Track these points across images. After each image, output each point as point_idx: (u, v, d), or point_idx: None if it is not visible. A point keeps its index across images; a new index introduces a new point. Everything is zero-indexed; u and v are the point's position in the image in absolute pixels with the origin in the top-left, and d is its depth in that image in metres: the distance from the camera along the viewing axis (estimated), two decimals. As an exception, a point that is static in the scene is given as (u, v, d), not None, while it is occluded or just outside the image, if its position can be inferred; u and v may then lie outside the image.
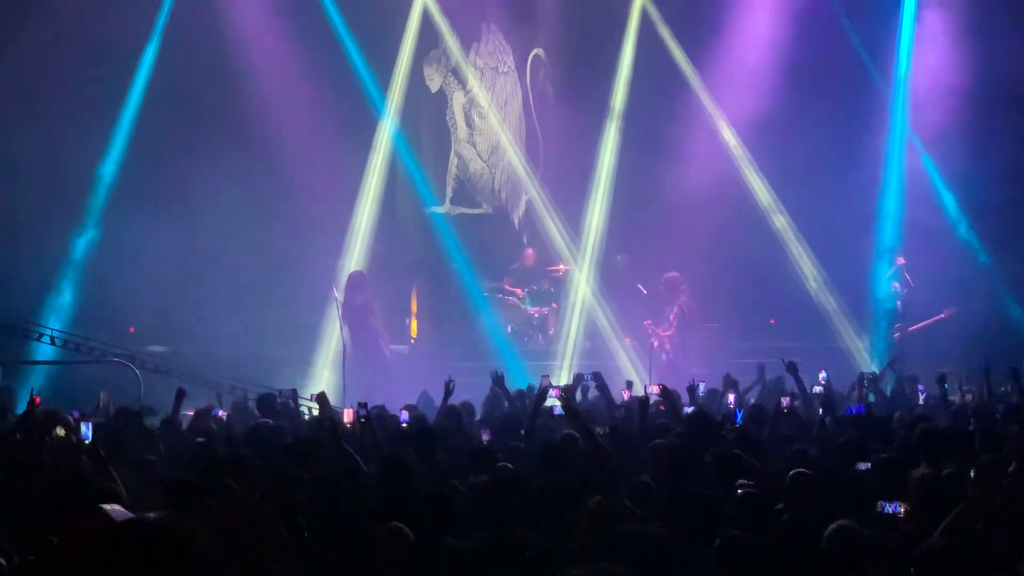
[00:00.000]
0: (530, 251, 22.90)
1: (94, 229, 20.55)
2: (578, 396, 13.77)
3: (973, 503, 7.09)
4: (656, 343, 20.64)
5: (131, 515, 6.67)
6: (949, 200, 22.89)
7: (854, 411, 11.33)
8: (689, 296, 21.04)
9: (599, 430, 9.71)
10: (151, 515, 6.32)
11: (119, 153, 20.70)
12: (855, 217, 22.35)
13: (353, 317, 19.38)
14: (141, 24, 20.71)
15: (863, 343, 22.32)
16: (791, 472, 8.10)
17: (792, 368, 13.01)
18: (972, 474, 8.27)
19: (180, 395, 11.86)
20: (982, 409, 12.43)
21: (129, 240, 19.82)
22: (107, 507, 6.19)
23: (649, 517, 7.33)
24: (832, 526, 6.82)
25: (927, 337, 20.98)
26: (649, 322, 20.92)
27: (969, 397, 14.91)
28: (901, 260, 21.85)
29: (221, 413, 13.00)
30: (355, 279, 19.99)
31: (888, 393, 15.57)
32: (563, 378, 18.68)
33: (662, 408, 11.53)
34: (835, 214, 21.85)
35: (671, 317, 20.90)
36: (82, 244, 20.49)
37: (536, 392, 11.58)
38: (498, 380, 12.85)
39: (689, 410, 11.97)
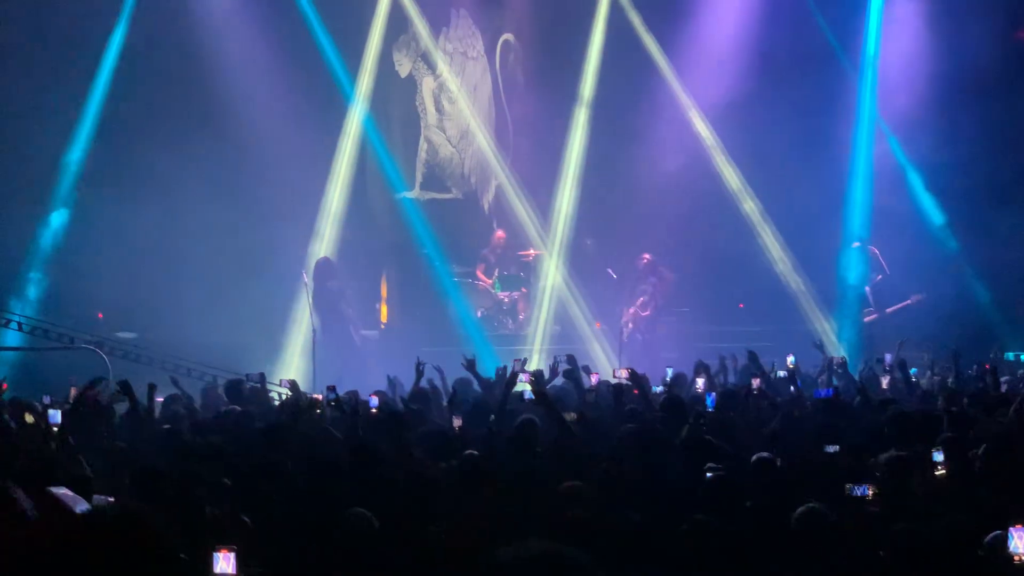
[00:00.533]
0: (500, 232, 22.90)
1: (61, 215, 20.43)
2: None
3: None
4: (631, 325, 20.68)
5: (80, 498, 6.65)
6: (917, 184, 22.98)
7: (822, 394, 11.37)
8: (665, 279, 21.10)
9: (569, 416, 9.72)
10: (107, 500, 6.29)
11: (86, 138, 20.57)
12: (824, 202, 22.41)
13: (324, 303, 19.34)
14: (109, 7, 20.58)
15: (831, 327, 22.39)
16: (754, 457, 8.13)
17: (752, 357, 13.09)
18: (936, 454, 8.32)
19: (152, 389, 11.77)
20: (949, 393, 12.48)
21: (97, 226, 19.71)
22: (55, 490, 6.16)
23: (618, 502, 7.34)
24: (800, 509, 6.84)
25: (894, 322, 21.05)
26: (633, 309, 20.93)
27: (938, 380, 14.98)
28: (856, 244, 21.90)
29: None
30: (325, 265, 19.95)
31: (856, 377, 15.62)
32: (534, 363, 18.69)
33: (636, 392, 11.54)
34: (804, 199, 21.89)
35: (646, 297, 20.91)
36: (49, 230, 20.37)
37: (508, 375, 11.58)
38: (470, 365, 12.84)
39: (658, 389, 12.02)
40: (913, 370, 15.01)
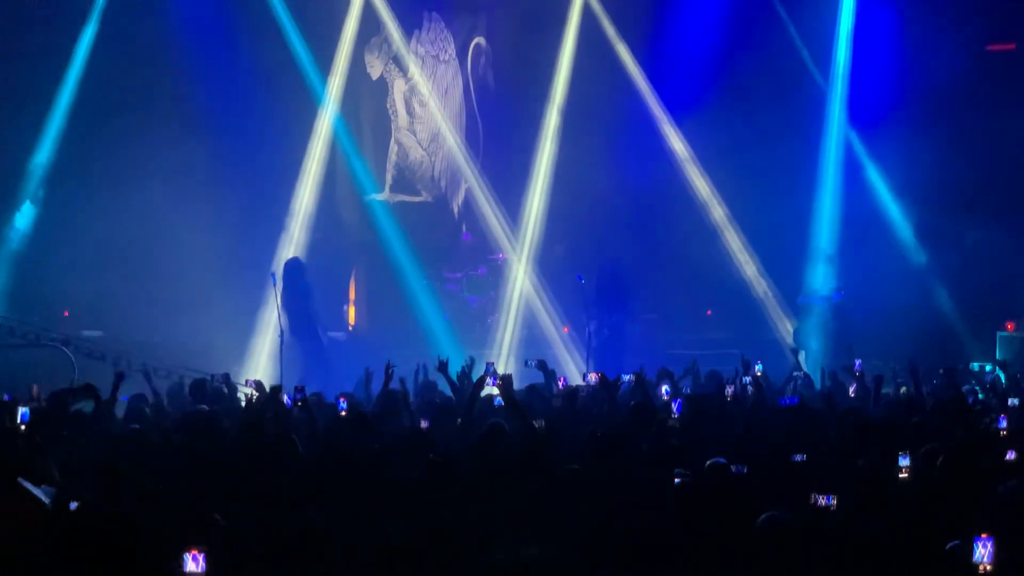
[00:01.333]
0: (467, 236, 22.95)
1: (27, 212, 20.33)
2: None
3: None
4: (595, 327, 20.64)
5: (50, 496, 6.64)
6: (885, 194, 23.08)
7: (787, 402, 11.41)
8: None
9: (537, 423, 9.74)
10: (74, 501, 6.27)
11: (54, 137, 20.48)
12: (792, 210, 22.50)
13: (293, 303, 19.28)
14: (79, 6, 20.49)
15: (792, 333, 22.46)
16: (708, 463, 8.12)
17: (745, 365, 13.18)
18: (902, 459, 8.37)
19: (119, 377, 11.75)
20: (913, 403, 12.55)
21: (64, 223, 19.68)
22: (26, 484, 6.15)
23: (583, 505, 7.37)
24: (763, 517, 6.86)
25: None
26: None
27: (904, 390, 15.05)
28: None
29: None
30: (294, 265, 19.91)
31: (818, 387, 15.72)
32: (502, 367, 18.70)
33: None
34: (772, 207, 21.99)
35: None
36: (15, 227, 20.27)
37: (476, 378, 11.60)
38: (442, 367, 12.78)
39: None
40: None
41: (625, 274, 20.72)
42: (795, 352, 16.76)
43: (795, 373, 15.15)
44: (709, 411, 10.99)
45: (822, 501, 7.50)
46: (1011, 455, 8.88)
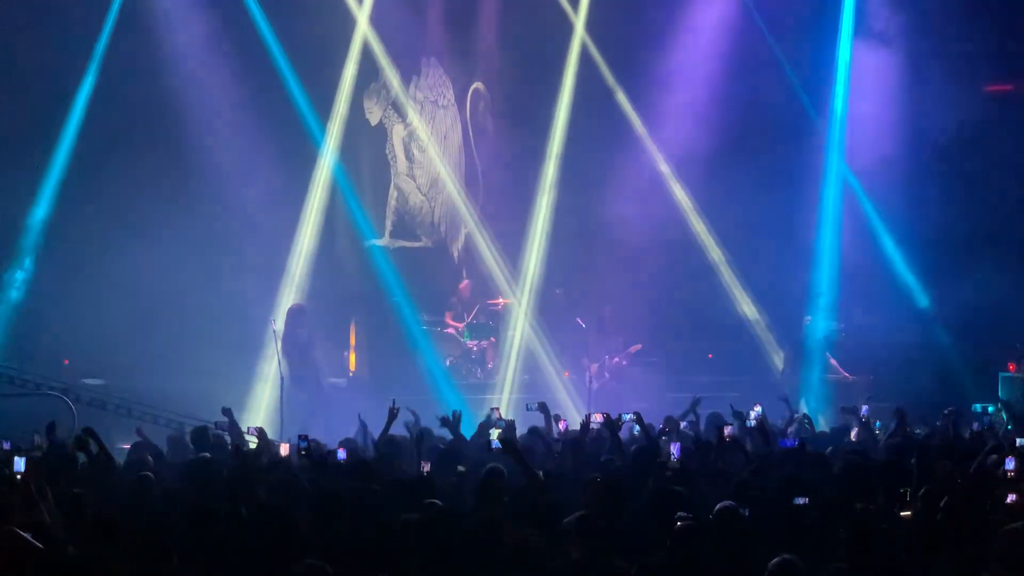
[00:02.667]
0: (466, 282, 22.95)
1: (27, 264, 20.33)
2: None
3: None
4: (607, 374, 20.66)
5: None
6: (886, 238, 23.09)
7: (787, 444, 11.37)
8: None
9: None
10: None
11: (53, 188, 20.46)
12: (792, 253, 22.52)
13: (295, 350, 19.26)
14: (77, 57, 20.55)
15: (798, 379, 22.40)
16: (717, 506, 8.10)
17: (738, 415, 13.12)
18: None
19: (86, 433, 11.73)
20: (917, 445, 12.49)
21: (64, 272, 19.66)
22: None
23: (582, 551, 7.33)
24: (775, 560, 6.82)
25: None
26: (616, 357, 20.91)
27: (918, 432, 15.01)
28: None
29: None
30: (297, 312, 19.86)
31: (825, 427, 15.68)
32: (503, 411, 18.64)
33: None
34: (772, 251, 22.02)
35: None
36: (15, 278, 20.25)
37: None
38: (444, 422, 12.73)
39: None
40: (877, 423, 15.06)
41: (623, 318, 20.74)
42: (786, 400, 16.62)
43: (795, 415, 15.09)
44: (709, 461, 10.95)
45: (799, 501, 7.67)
46: (1011, 498, 8.82)
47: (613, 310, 21.15)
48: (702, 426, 14.26)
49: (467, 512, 8.43)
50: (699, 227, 23.45)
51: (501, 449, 9.75)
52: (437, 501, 8.39)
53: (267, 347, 19.65)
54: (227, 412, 12.94)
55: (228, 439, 12.97)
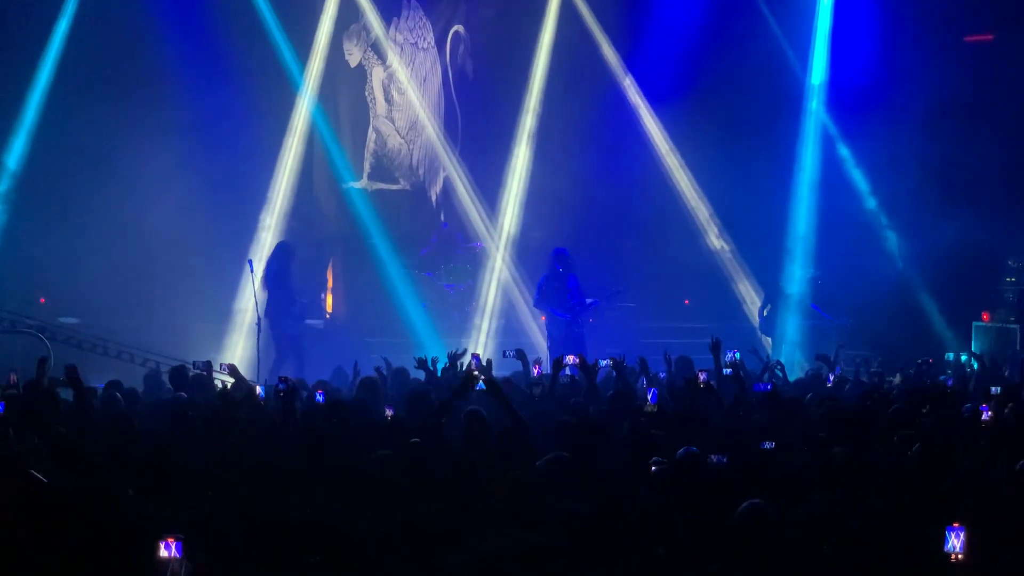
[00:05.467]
0: (446, 224, 22.94)
1: (2, 205, 20.26)
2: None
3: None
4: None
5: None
6: (862, 185, 23.13)
7: (760, 388, 11.45)
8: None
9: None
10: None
11: (29, 128, 20.36)
12: (770, 201, 22.55)
13: (282, 287, 19.12)
14: (50, 2, 20.43)
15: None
16: (680, 451, 8.13)
17: (715, 347, 13.03)
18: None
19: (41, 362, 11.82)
20: (881, 393, 12.58)
21: (41, 211, 19.61)
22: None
23: (562, 492, 7.38)
24: (744, 505, 6.88)
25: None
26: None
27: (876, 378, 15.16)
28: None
29: None
30: (287, 247, 19.49)
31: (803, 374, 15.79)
32: (481, 355, 18.64)
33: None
34: (751, 198, 22.05)
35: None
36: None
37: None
38: (421, 364, 12.83)
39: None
40: (838, 369, 15.20)
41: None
42: (754, 352, 16.67)
43: (768, 363, 15.17)
44: (685, 401, 11.01)
45: (767, 445, 7.87)
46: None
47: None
48: (673, 369, 14.33)
49: (449, 452, 8.47)
50: (678, 173, 23.45)
51: (485, 391, 9.76)
52: (417, 440, 8.44)
53: (244, 287, 19.65)
54: (233, 369, 12.83)
55: (208, 379, 13.00)
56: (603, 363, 12.82)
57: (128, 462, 7.68)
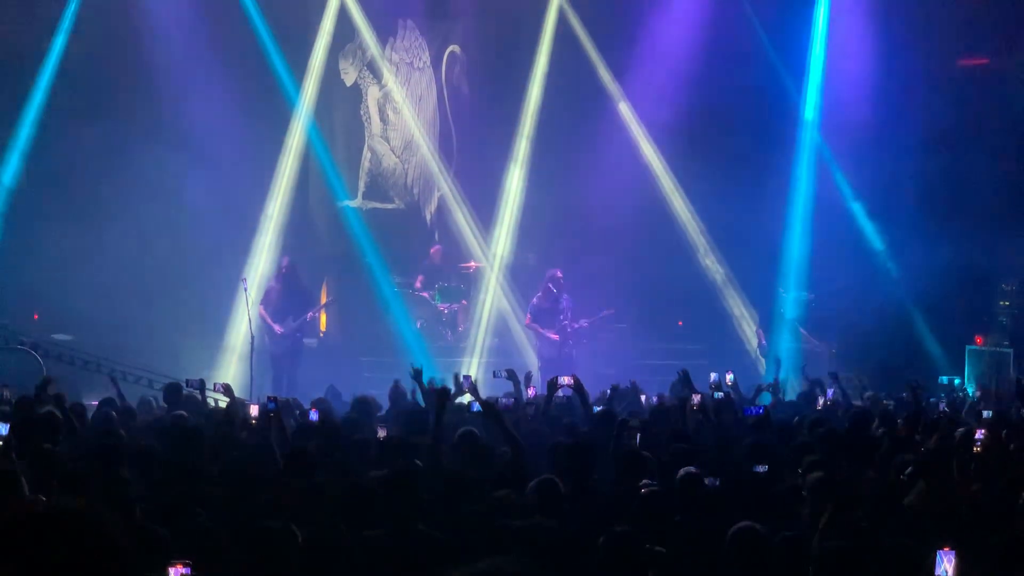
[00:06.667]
0: (437, 248, 22.88)
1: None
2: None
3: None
4: (570, 340, 20.21)
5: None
6: (858, 210, 23.15)
7: (752, 412, 11.44)
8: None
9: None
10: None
11: (24, 143, 20.39)
12: (765, 224, 22.55)
13: (294, 301, 19.20)
14: (47, 18, 20.45)
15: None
16: (680, 472, 8.13)
17: (685, 378, 12.92)
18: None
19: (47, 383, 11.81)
20: (883, 414, 12.59)
21: (35, 227, 19.60)
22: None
23: (548, 512, 7.37)
24: (735, 527, 6.87)
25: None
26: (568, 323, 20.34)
27: (871, 402, 15.16)
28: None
29: None
30: (293, 265, 19.60)
31: (795, 397, 15.79)
32: (473, 375, 18.62)
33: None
34: (745, 219, 22.05)
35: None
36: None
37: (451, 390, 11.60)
38: (416, 375, 12.73)
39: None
40: (830, 391, 15.20)
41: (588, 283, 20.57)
42: (776, 362, 16.76)
43: (764, 384, 15.19)
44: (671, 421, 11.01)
45: (759, 469, 7.95)
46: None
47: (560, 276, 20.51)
48: (667, 392, 14.33)
49: (439, 472, 8.46)
50: (673, 195, 23.47)
51: (480, 412, 9.73)
52: (409, 461, 8.43)
53: (238, 305, 19.64)
54: (227, 388, 12.78)
55: (201, 398, 12.98)
56: (563, 382, 12.75)
57: (127, 481, 7.65)
